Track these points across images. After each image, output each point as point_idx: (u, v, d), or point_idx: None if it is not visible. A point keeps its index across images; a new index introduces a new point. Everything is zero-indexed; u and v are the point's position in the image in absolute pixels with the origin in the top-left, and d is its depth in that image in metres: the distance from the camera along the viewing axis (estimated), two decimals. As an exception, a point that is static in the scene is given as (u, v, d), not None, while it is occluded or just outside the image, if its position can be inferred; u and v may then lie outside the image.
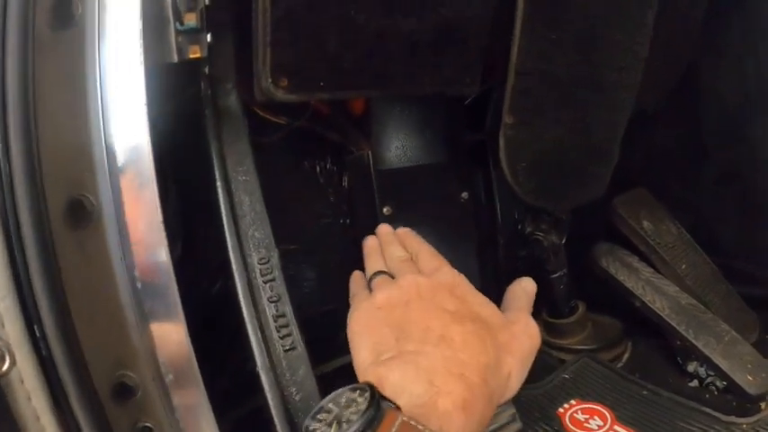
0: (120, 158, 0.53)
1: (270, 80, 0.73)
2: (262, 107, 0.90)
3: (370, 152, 1.03)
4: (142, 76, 0.53)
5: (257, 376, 0.70)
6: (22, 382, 0.48)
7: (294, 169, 1.09)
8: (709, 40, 1.42)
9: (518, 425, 0.84)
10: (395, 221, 1.05)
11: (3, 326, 0.46)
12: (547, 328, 1.31)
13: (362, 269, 1.12)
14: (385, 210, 1.05)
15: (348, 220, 1.18)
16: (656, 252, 1.35)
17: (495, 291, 1.26)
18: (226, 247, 0.71)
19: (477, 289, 1.08)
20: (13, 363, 0.46)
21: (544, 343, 1.29)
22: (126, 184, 0.52)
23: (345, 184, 1.17)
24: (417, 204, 1.10)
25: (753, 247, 1.45)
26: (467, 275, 1.13)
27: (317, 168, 1.14)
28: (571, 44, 0.99)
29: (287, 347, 0.74)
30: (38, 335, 0.49)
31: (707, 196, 1.52)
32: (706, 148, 1.52)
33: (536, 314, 1.30)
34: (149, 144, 0.53)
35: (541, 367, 1.18)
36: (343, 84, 0.82)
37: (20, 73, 0.50)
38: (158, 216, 0.53)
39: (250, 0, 0.72)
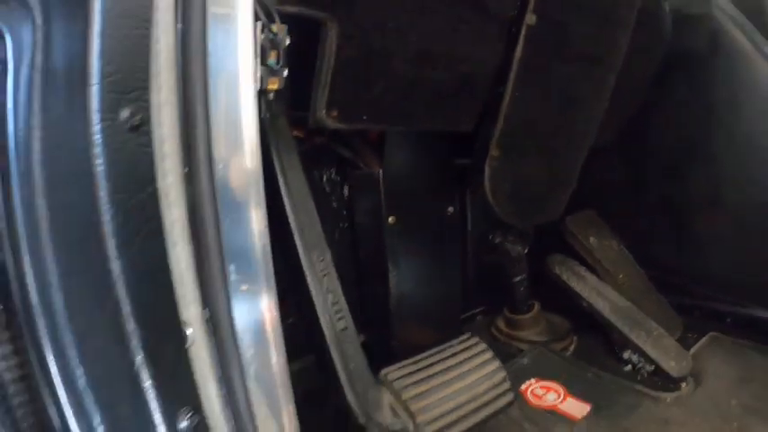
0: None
1: (324, 111, 0.97)
2: (293, 125, 1.14)
3: (381, 170, 1.29)
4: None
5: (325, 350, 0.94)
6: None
7: (306, 178, 1.33)
8: (658, 97, 1.76)
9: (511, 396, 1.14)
10: (396, 228, 1.32)
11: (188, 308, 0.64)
12: (508, 323, 1.62)
13: (357, 268, 1.37)
14: (390, 219, 1.31)
15: (345, 225, 1.44)
16: (599, 264, 1.69)
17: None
18: (295, 248, 0.94)
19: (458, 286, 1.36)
20: (194, 339, 0.62)
21: (506, 335, 1.61)
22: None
23: (346, 193, 1.43)
24: (415, 215, 1.36)
25: (682, 264, 1.78)
26: (451, 275, 1.42)
27: (324, 178, 1.39)
28: (551, 100, 1.29)
29: (341, 328, 0.98)
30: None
31: (646, 221, 1.85)
32: (647, 182, 1.89)
33: (499, 311, 1.63)
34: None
35: (504, 354, 1.45)
36: (380, 119, 1.07)
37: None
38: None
39: (314, 44, 0.96)
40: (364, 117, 1.03)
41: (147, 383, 0.51)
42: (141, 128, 0.48)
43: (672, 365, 1.39)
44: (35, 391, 0.57)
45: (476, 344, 1.27)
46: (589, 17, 1.27)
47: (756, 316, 1.69)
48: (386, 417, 1.02)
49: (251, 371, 0.60)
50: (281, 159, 0.97)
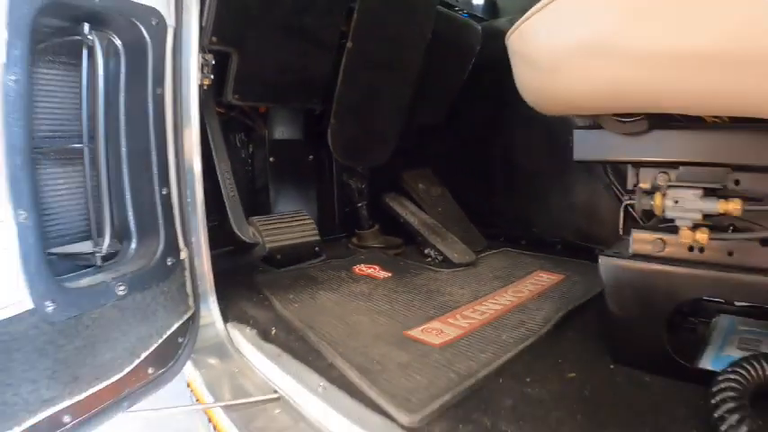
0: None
1: (231, 95, 1.96)
2: (217, 105, 2.16)
3: (266, 131, 2.32)
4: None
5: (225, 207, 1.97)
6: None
7: (225, 139, 2.35)
8: (473, 89, 2.82)
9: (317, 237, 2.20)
10: (276, 167, 2.35)
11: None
12: (357, 237, 2.59)
13: (253, 196, 2.41)
14: (271, 159, 2.32)
15: (249, 168, 2.44)
16: (423, 200, 2.69)
17: (331, 216, 2.62)
18: (214, 161, 1.96)
19: (314, 205, 2.42)
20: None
21: (355, 246, 2.58)
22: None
23: (251, 149, 2.46)
24: (287, 158, 2.38)
25: (491, 205, 2.85)
26: (309, 198, 2.48)
27: (237, 139, 2.42)
28: (364, 93, 2.28)
29: (232, 195, 1.97)
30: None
31: (466, 176, 2.90)
32: (466, 149, 2.94)
33: (351, 229, 2.69)
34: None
35: (349, 253, 2.46)
36: (263, 99, 2.07)
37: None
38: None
39: (226, 61, 1.97)
40: (253, 98, 2.04)
41: (155, 171, 1.38)
42: (161, 95, 1.39)
43: (455, 256, 2.30)
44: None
45: (304, 214, 2.29)
46: (387, 43, 2.27)
47: (539, 237, 2.68)
48: (250, 236, 2.03)
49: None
50: (210, 121, 1.99)
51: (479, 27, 2.81)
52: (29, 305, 1.09)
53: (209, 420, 1.66)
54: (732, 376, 1.06)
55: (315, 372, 1.35)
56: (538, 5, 1.04)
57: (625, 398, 1.19)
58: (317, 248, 2.30)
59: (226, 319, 1.69)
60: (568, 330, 1.60)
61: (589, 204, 2.49)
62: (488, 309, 1.77)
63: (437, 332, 1.58)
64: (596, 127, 1.26)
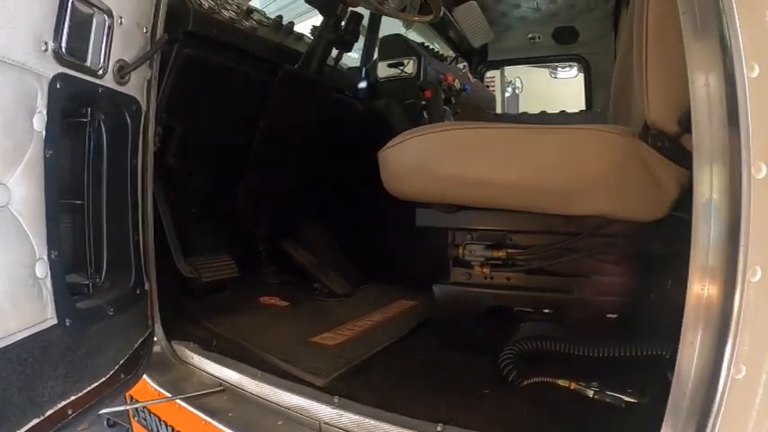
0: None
1: (171, 158, 2.70)
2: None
3: (193, 187, 3.07)
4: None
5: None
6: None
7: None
8: (352, 156, 3.77)
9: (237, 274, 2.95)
10: (199, 216, 3.03)
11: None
12: (260, 274, 3.38)
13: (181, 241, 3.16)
14: (194, 210, 2.99)
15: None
16: (313, 245, 3.53)
17: (240, 257, 3.39)
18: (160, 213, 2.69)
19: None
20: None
21: (257, 281, 3.40)
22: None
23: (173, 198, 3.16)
24: (208, 208, 3.07)
25: (365, 249, 3.76)
26: (225, 245, 3.25)
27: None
28: (272, 160, 3.10)
29: (173, 239, 2.74)
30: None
31: (346, 229, 3.78)
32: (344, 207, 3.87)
33: (255, 268, 3.46)
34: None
35: (253, 287, 3.21)
36: (194, 162, 2.84)
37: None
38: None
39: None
40: (187, 161, 2.85)
41: (130, 221, 2.03)
42: (136, 165, 2.09)
43: (335, 287, 3.07)
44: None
45: (227, 256, 2.97)
46: (288, 121, 3.05)
47: (402, 273, 3.45)
48: (189, 272, 2.68)
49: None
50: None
51: (361, 106, 3.77)
52: (55, 320, 1.44)
53: (160, 419, 2.33)
54: (509, 348, 1.93)
55: (252, 365, 2.02)
56: (392, 141, 1.94)
57: (449, 363, 2.05)
58: (227, 284, 2.99)
59: (169, 338, 2.30)
60: (418, 335, 2.46)
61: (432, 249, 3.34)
62: (364, 324, 2.59)
63: (330, 338, 2.36)
64: (429, 206, 2.17)
